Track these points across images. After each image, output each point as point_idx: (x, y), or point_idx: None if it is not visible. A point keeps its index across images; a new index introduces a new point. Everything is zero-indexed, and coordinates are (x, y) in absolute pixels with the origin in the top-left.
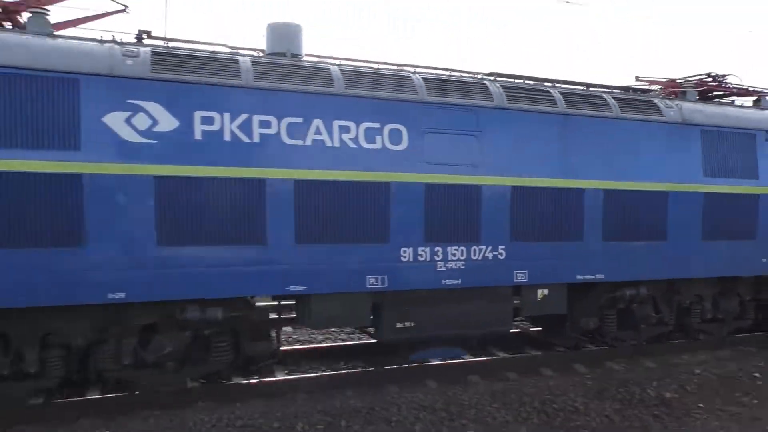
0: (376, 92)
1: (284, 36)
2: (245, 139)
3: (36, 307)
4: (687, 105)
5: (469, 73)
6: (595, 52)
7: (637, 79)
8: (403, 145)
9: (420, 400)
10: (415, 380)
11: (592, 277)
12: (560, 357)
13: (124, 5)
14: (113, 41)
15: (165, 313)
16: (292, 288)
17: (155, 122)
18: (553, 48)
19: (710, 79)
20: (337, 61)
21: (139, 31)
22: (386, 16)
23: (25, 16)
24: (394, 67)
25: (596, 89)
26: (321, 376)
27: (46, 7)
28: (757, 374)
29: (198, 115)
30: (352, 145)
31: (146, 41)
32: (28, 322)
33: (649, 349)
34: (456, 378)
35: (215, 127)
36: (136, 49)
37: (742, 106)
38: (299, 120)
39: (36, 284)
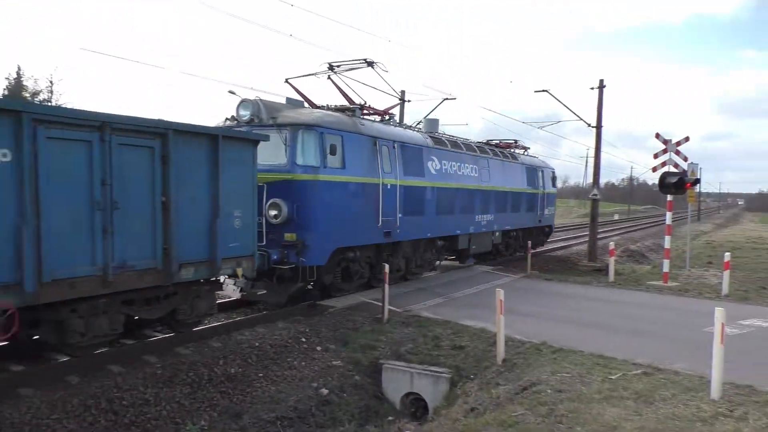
0: (470, 153)
1: (434, 124)
2: (452, 172)
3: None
4: (522, 156)
5: (479, 141)
6: None
7: (491, 140)
8: (477, 174)
9: None
10: None
11: (509, 227)
12: (128, 351)
13: (401, 98)
14: (429, 133)
15: (430, 243)
16: (457, 231)
17: (435, 164)
18: None
19: (514, 142)
20: (456, 139)
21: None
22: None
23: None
24: (469, 140)
25: (501, 149)
26: None
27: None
28: (303, 339)
29: (443, 162)
30: (469, 174)
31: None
32: (409, 248)
33: (216, 330)
34: (2, 394)
35: (446, 167)
36: (423, 133)
37: (527, 154)
38: (460, 163)
39: (415, 230)
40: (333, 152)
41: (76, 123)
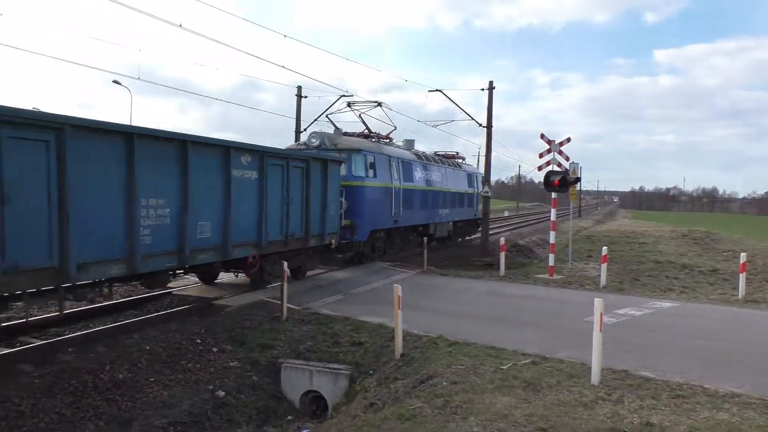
0: (440, 165)
1: (411, 143)
2: (426, 178)
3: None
4: (464, 165)
5: (434, 153)
6: None
7: (438, 152)
8: (441, 179)
9: None
10: None
11: (457, 219)
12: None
13: (394, 125)
14: (411, 150)
15: (414, 229)
16: (429, 221)
17: (418, 173)
18: None
19: (455, 153)
20: (430, 152)
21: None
22: None
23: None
24: (436, 155)
25: (448, 158)
26: None
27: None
28: (198, 340)
29: (422, 171)
30: (435, 179)
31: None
32: (404, 232)
33: (101, 334)
34: None
35: (423, 175)
36: (411, 151)
37: (465, 163)
38: (430, 172)
39: (409, 219)
40: (371, 167)
41: (280, 156)
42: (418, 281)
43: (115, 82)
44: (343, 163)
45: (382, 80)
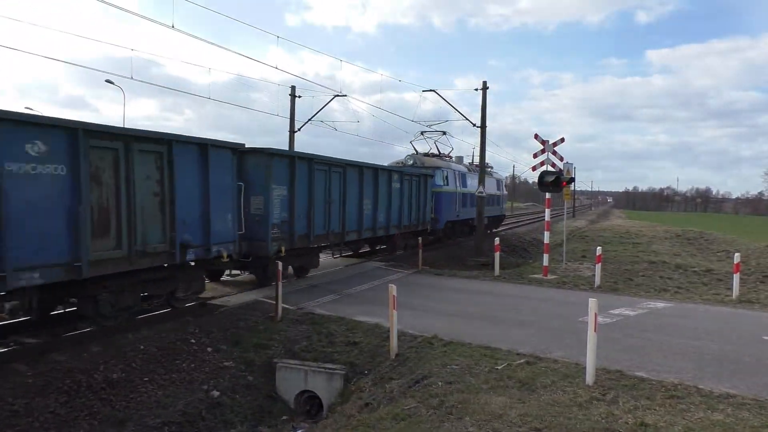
0: (471, 172)
1: (461, 159)
2: (473, 184)
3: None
4: (493, 172)
5: (468, 163)
6: None
7: (470, 162)
8: (466, 184)
9: None
10: None
11: (490, 215)
12: None
13: (452, 146)
14: (461, 164)
15: (466, 222)
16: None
17: (468, 181)
18: None
19: (486, 163)
20: (468, 162)
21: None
22: None
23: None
24: (471, 164)
25: (473, 165)
26: None
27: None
28: (192, 340)
29: (470, 179)
30: (471, 183)
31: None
32: (462, 224)
33: (94, 334)
34: None
35: (471, 182)
36: (462, 164)
37: (494, 171)
38: (474, 180)
39: (465, 214)
40: (445, 179)
41: (409, 174)
42: (414, 281)
43: (108, 81)
44: (432, 177)
45: (376, 79)
